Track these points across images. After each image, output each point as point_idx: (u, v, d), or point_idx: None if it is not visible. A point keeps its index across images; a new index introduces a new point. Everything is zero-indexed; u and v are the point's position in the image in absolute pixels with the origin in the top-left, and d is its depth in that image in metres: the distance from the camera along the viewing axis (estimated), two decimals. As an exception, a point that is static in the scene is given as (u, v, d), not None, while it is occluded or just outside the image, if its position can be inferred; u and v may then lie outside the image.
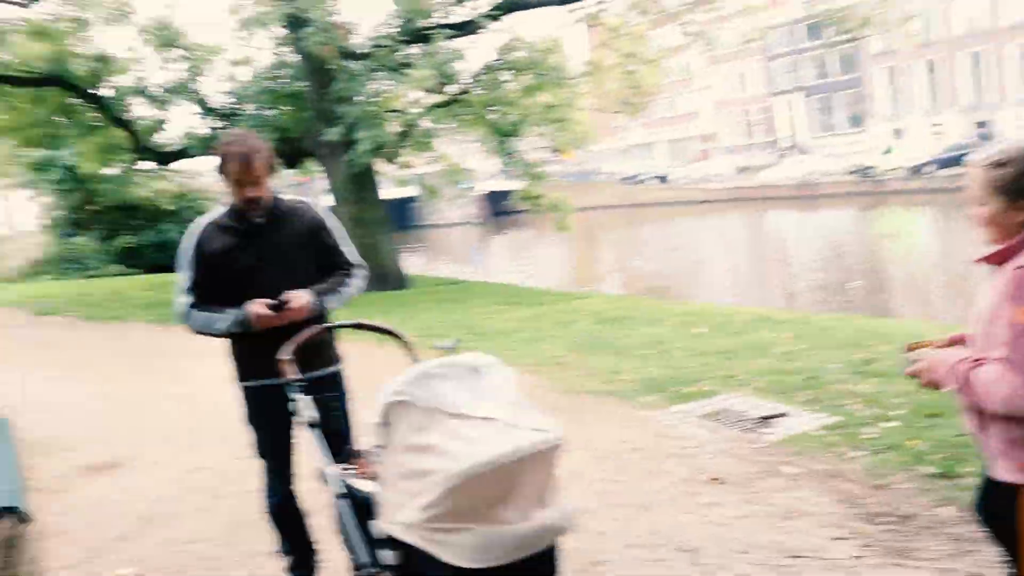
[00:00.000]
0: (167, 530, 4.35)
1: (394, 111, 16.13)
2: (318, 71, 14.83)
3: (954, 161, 38.15)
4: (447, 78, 13.72)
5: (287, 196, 3.31)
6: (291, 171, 19.05)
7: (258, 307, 2.97)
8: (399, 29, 14.11)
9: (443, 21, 14.38)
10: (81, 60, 15.69)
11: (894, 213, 34.15)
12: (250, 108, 16.53)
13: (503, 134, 15.51)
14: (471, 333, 9.48)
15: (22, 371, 8.88)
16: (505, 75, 14.87)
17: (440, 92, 14.42)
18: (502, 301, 12.79)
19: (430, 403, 2.21)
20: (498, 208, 51.88)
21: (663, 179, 52.67)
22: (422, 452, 2.15)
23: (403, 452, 2.20)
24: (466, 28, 14.27)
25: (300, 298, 3.02)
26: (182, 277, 3.13)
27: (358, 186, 15.54)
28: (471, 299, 13.68)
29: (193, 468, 5.28)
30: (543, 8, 15.62)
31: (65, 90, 16.11)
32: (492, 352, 7.47)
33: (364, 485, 2.54)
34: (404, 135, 14.69)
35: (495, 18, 13.80)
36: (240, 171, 2.99)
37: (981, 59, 43.80)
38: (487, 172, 35.24)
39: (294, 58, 14.76)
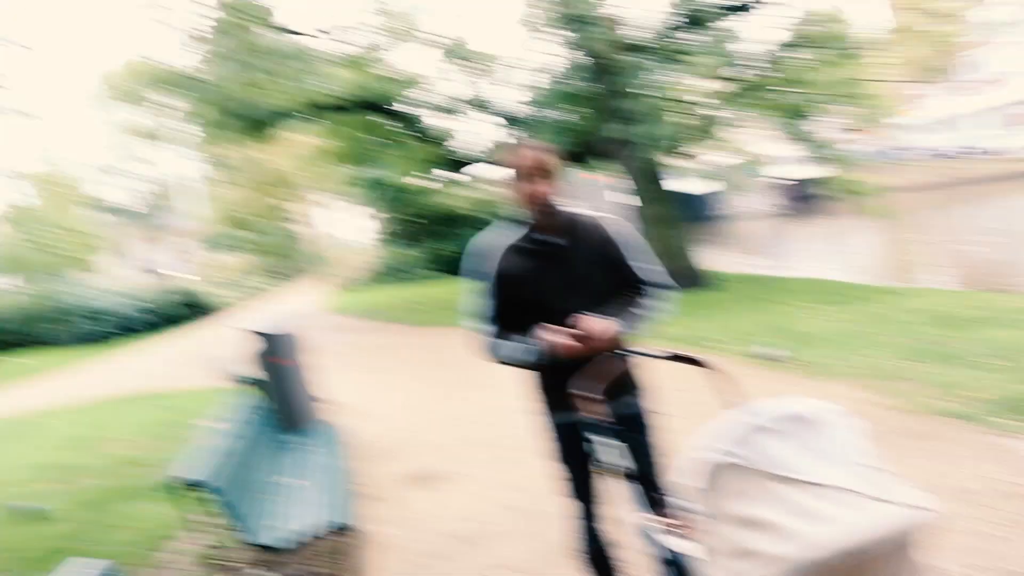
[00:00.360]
0: (479, 552, 4.31)
1: (678, 101, 15.61)
2: (600, 68, 14.73)
3: None
4: (729, 63, 12.88)
5: (579, 208, 3.06)
6: (583, 170, 19.22)
7: (563, 336, 2.72)
8: (674, 15, 13.51)
9: (718, 1, 13.54)
10: (384, 81, 16.86)
11: None
12: (543, 112, 16.84)
13: (798, 116, 14.38)
14: (787, 337, 8.64)
15: (353, 375, 9.60)
16: (804, 52, 13.69)
17: (729, 79, 13.61)
18: (819, 299, 11.54)
19: (761, 465, 1.81)
20: (800, 195, 48.92)
21: (984, 151, 46.35)
22: (754, 527, 1.76)
23: (730, 524, 1.82)
24: (741, 9, 13.33)
25: (607, 325, 2.72)
26: (481, 304, 2.98)
27: (646, 181, 15.22)
28: (781, 296, 12.50)
29: (511, 487, 5.22)
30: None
31: (374, 111, 17.43)
32: (814, 360, 6.74)
33: (687, 547, 2.20)
34: (689, 127, 14.07)
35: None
36: (531, 179, 2.80)
37: None
38: (785, 158, 33.24)
39: (580, 58, 14.76)
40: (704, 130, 14.61)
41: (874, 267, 22.53)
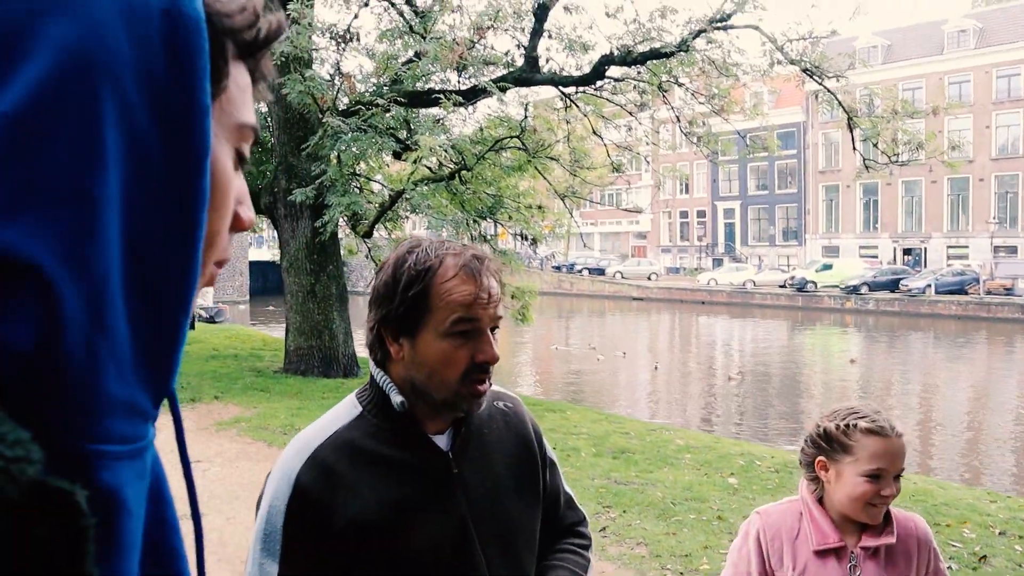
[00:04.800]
0: None
1: (367, 178, 14.57)
2: (295, 123, 13.17)
3: (885, 285, 38.99)
4: (458, 152, 12.21)
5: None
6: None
7: None
8: (391, 87, 12.60)
9: (445, 87, 12.97)
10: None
11: (826, 331, 34.16)
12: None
13: (480, 216, 14.11)
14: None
15: None
16: (506, 154, 13.50)
17: (439, 166, 12.88)
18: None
19: None
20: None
21: (600, 271, 52.09)
22: None
23: None
24: (471, 96, 12.88)
25: None
26: None
27: (319, 255, 13.76)
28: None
29: None
30: (550, 86, 14.44)
31: None
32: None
33: None
34: (385, 207, 13.03)
35: (503, 89, 12.46)
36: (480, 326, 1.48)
37: (915, 189, 45.21)
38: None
39: (271, 104, 13.05)
40: (393, 212, 13.60)
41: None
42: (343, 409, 1.49)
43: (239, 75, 0.56)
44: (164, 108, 0.47)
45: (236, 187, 0.57)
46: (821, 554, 1.90)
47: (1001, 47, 41.78)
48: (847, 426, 1.89)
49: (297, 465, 1.39)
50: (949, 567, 5.19)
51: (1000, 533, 6.05)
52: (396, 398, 1.42)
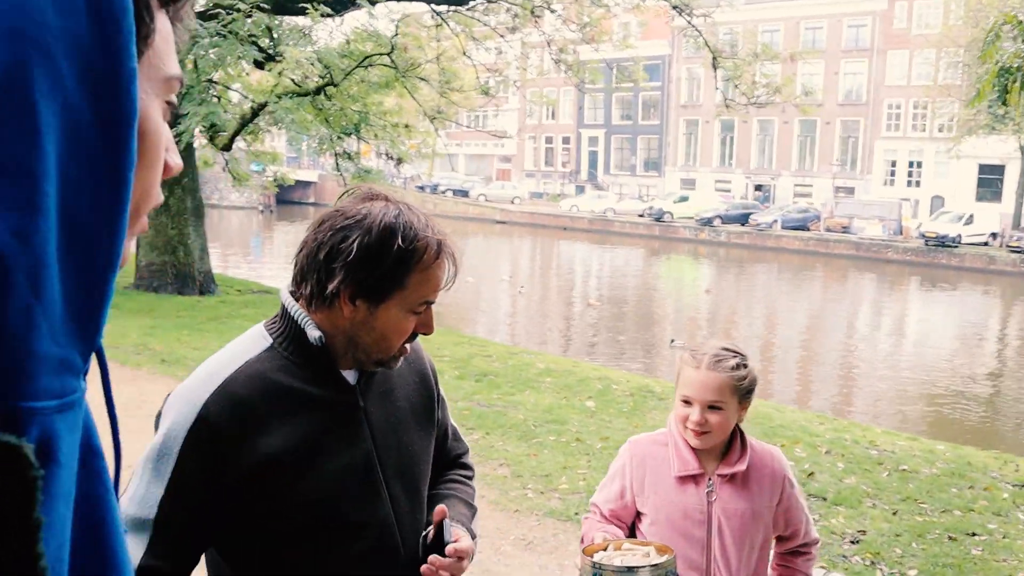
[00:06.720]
0: None
1: (226, 87, 13.82)
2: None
3: (736, 219, 41.04)
4: (325, 67, 11.72)
5: None
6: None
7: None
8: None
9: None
10: None
11: (681, 260, 35.80)
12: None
13: (345, 133, 13.75)
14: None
15: None
16: (374, 71, 13.10)
17: (304, 79, 12.35)
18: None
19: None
20: (287, 197, 48.90)
21: (464, 193, 51.96)
22: None
23: None
24: (339, 7, 12.35)
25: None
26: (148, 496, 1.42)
27: (174, 168, 13.03)
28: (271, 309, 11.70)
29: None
30: (422, 2, 14.04)
31: None
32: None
33: None
34: (246, 119, 12.43)
35: (373, 3, 12.01)
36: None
37: (769, 128, 47.33)
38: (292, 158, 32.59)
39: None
40: (254, 125, 13.00)
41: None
42: (251, 340, 1.47)
43: (163, 24, 0.55)
44: (92, 76, 0.47)
45: (164, 137, 0.58)
46: (682, 480, 2.04)
47: (854, -5, 43.89)
48: (682, 357, 2.07)
49: (204, 395, 1.36)
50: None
51: (826, 452, 6.65)
52: (313, 332, 1.41)
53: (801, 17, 45.31)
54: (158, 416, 1.41)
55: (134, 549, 1.32)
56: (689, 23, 13.67)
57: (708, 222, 40.82)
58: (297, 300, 1.45)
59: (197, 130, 12.59)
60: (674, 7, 13.64)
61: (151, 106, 0.54)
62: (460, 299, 22.47)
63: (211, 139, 13.44)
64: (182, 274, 13.66)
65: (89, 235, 0.49)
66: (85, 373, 0.52)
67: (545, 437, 6.56)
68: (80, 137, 0.47)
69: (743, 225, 40.48)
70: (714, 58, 14.08)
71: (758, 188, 48.19)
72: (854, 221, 37.30)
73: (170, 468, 1.33)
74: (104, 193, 0.49)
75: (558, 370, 9.41)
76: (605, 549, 1.87)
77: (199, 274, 13.91)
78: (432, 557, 1.43)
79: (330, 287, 1.37)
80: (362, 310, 1.40)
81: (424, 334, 1.49)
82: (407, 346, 1.48)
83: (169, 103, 0.58)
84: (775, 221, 39.21)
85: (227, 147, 12.85)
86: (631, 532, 2.13)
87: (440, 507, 1.50)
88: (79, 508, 0.51)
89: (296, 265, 1.44)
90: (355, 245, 1.36)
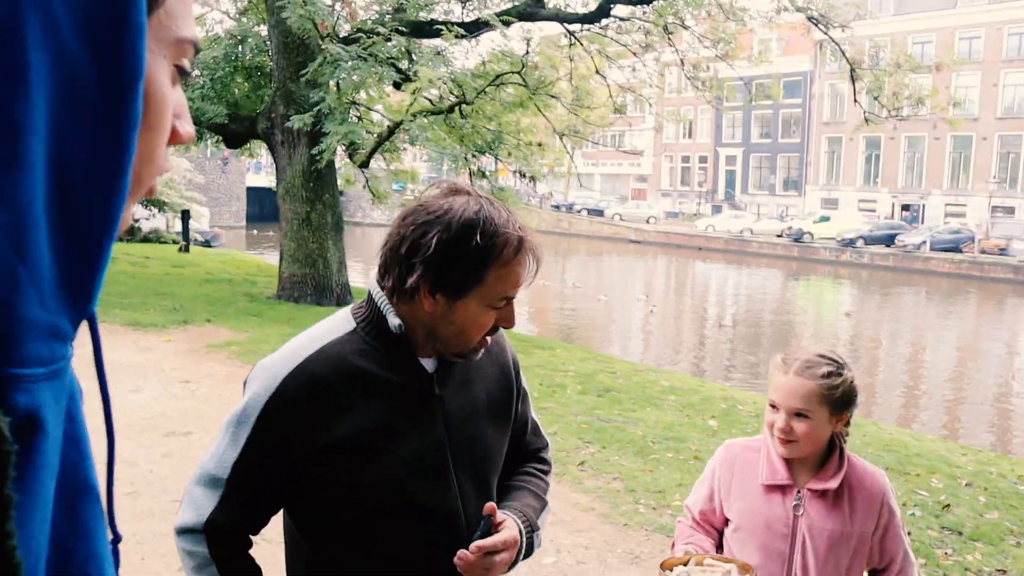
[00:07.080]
0: None
1: (367, 108, 14.45)
2: (294, 48, 13.01)
3: (881, 240, 39.04)
4: (459, 85, 12.09)
5: None
6: (232, 148, 17.10)
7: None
8: (394, 16, 12.43)
9: (448, 18, 12.79)
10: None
11: (820, 282, 34.36)
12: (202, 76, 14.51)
13: (479, 151, 14.05)
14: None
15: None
16: (507, 90, 13.36)
17: (439, 99, 12.76)
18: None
19: None
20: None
21: (599, 212, 51.92)
22: None
23: None
24: (474, 29, 12.70)
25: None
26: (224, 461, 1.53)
27: (315, 183, 13.73)
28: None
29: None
30: (555, 22, 14.23)
31: None
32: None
33: None
34: (383, 137, 12.95)
35: (506, 24, 12.29)
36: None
37: (918, 145, 44.91)
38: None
39: (271, 29, 12.86)
40: (391, 143, 13.53)
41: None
42: (336, 322, 1.53)
43: None
44: (94, 27, 0.44)
45: (174, 102, 0.55)
46: (769, 488, 1.98)
47: (1015, 4, 41.03)
48: (774, 360, 2.00)
49: (284, 371, 1.43)
50: (912, 514, 5.37)
51: (967, 484, 6.22)
52: (394, 320, 1.46)
53: (956, 27, 42.81)
54: (245, 382, 1.49)
55: (207, 501, 1.43)
56: (826, 34, 13.23)
57: (850, 243, 39.08)
58: (383, 290, 1.51)
59: (339, 149, 13.24)
60: (810, 19, 13.24)
61: (158, 68, 0.51)
62: (592, 317, 22.45)
63: (350, 156, 14.07)
64: (321, 286, 14.29)
65: (83, 197, 0.46)
66: (72, 339, 0.49)
67: (663, 454, 6.46)
68: (77, 93, 0.44)
69: (888, 246, 38.52)
70: (852, 70, 13.55)
71: (905, 208, 45.76)
72: (1013, 242, 34.82)
73: (245, 435, 1.42)
74: (102, 154, 0.46)
75: (682, 388, 9.25)
76: (686, 563, 1.83)
77: (337, 286, 14.51)
78: (461, 552, 1.43)
79: (410, 281, 1.41)
80: (441, 304, 1.43)
81: (505, 327, 1.51)
82: (488, 339, 1.51)
83: (181, 68, 0.54)
84: (924, 242, 37.06)
85: (364, 164, 13.39)
86: (720, 538, 2.09)
87: (490, 504, 1.50)
88: (61, 475, 0.49)
89: (380, 258, 1.49)
90: (434, 241, 1.38)
